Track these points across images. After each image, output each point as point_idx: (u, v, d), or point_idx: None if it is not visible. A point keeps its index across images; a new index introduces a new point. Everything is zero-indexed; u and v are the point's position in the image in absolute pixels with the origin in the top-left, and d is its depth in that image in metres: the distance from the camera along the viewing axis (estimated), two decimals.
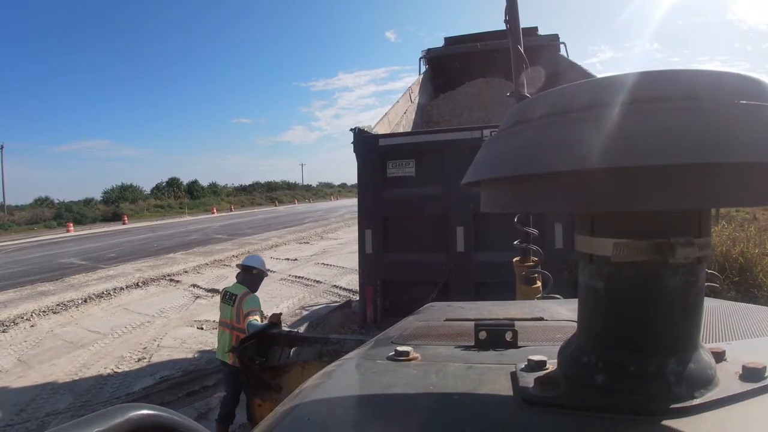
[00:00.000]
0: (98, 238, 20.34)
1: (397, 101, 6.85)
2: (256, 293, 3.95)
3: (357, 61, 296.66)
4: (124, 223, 32.38)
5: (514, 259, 2.35)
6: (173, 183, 52.86)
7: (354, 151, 4.72)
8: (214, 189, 56.10)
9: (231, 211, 40.72)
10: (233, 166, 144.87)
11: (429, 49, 8.74)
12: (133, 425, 0.39)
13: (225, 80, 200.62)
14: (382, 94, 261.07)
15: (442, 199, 4.42)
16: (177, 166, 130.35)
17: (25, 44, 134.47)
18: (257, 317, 3.68)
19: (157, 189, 52.08)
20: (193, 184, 54.01)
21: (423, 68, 8.63)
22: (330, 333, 4.23)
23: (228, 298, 3.89)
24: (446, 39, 9.12)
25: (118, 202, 48.02)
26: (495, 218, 4.06)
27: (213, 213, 36.22)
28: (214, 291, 9.26)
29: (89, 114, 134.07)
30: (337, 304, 7.25)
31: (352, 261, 11.24)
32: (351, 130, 4.72)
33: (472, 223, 4.33)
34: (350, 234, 16.88)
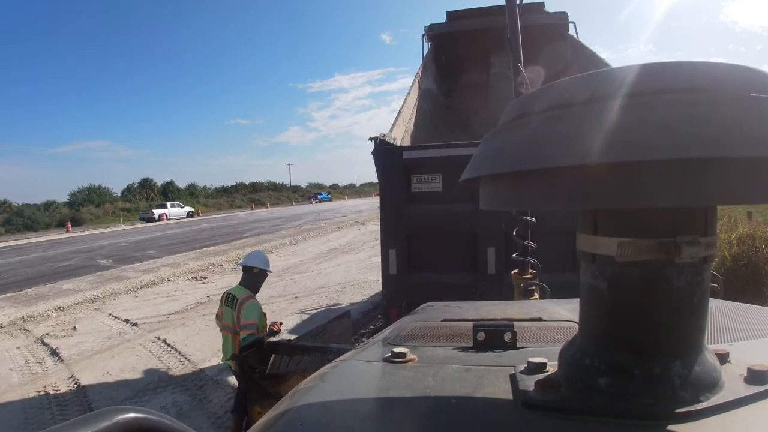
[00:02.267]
0: None
1: (408, 93, 6.48)
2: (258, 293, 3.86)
3: (353, 63, 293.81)
4: (67, 231, 30.16)
5: (513, 272, 2.33)
6: (146, 184, 49.59)
7: (375, 164, 4.30)
8: (191, 190, 52.61)
9: (198, 215, 37.16)
10: (232, 166, 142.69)
11: (431, 25, 8.15)
12: (121, 428, 0.38)
13: (222, 81, 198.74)
14: (378, 96, 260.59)
15: (471, 217, 4.04)
16: (174, 167, 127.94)
17: (19, 45, 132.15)
18: (254, 331, 3.51)
19: (129, 191, 48.70)
20: (169, 185, 50.64)
21: (425, 46, 8.05)
22: (329, 342, 3.88)
23: (230, 300, 3.73)
24: (448, 13, 8.39)
25: (83, 205, 44.82)
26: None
27: (163, 219, 32.50)
28: None
29: (85, 115, 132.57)
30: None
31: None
32: (370, 139, 4.26)
33: (504, 243, 3.96)
34: (285, 259, 13.04)
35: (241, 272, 3.97)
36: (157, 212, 34.87)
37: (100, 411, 0.39)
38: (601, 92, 0.39)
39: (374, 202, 48.03)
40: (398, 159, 4.24)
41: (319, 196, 58.62)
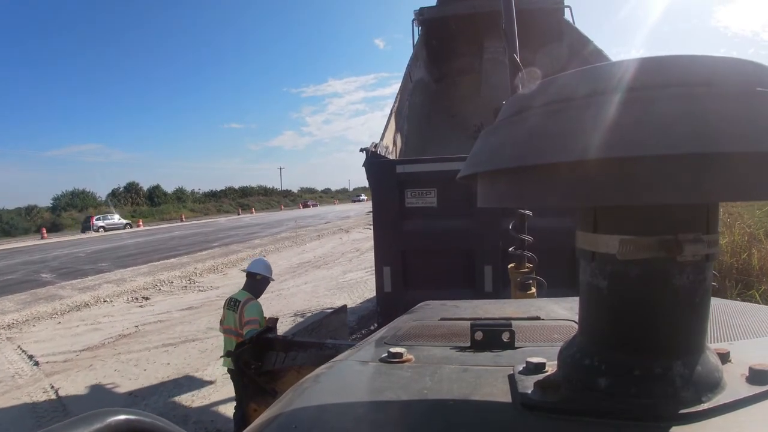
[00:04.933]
0: None
1: (399, 89, 6.31)
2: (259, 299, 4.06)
3: (347, 68, 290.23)
4: (42, 237, 29.49)
5: (509, 266, 2.33)
6: (131, 188, 48.27)
7: (367, 178, 4.22)
8: (179, 195, 51.33)
9: (182, 221, 36.03)
10: (225, 170, 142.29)
11: (422, 9, 7.71)
12: (113, 430, 0.38)
13: (216, 85, 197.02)
14: (372, 100, 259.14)
15: (467, 234, 4.00)
16: (169, 170, 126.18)
17: (12, 48, 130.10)
18: (256, 326, 3.64)
19: (113, 195, 47.43)
20: (155, 189, 49.38)
21: (416, 32, 7.70)
22: (325, 338, 3.81)
23: (232, 304, 3.91)
24: None
25: (65, 210, 43.72)
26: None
27: (139, 226, 31.15)
28: None
29: (79, 118, 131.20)
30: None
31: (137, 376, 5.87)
32: (362, 150, 4.18)
33: (501, 260, 3.71)
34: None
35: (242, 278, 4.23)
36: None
37: (92, 413, 0.38)
38: (602, 87, 0.38)
39: (363, 207, 46.42)
40: (392, 173, 4.09)
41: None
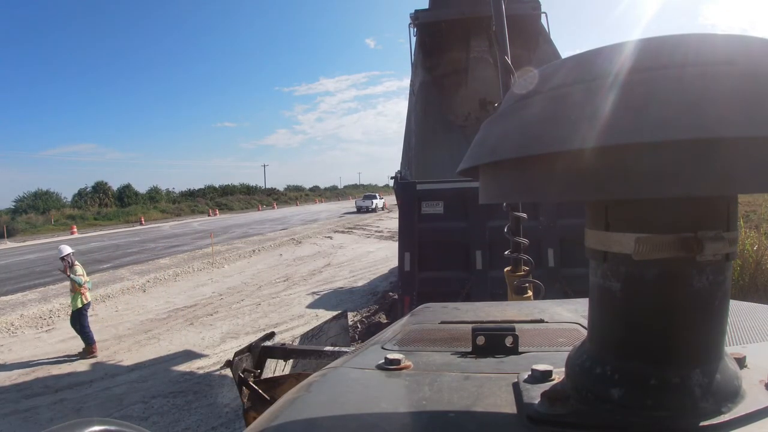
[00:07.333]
0: None
1: (407, 114, 7.11)
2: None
3: (338, 67, 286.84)
4: None
5: (506, 269, 2.32)
6: (100, 188, 45.30)
7: (396, 197, 6.03)
8: (152, 195, 48.31)
9: (142, 224, 33.14)
10: (219, 169, 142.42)
11: (417, 12, 7.92)
12: None
13: (209, 85, 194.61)
14: (363, 98, 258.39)
15: (463, 231, 5.49)
16: (163, 170, 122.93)
17: (2, 49, 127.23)
18: (81, 277, 6.92)
19: (80, 196, 44.56)
20: (125, 188, 46.43)
21: (413, 33, 7.98)
22: (325, 344, 4.00)
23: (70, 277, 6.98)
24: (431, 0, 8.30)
25: (26, 212, 40.71)
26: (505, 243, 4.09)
27: (73, 232, 28.10)
28: None
29: (72, 118, 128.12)
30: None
31: None
32: (391, 178, 6.01)
33: (488, 247, 5.34)
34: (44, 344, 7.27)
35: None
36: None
37: (68, 424, 0.39)
38: (620, 66, 0.35)
39: (342, 206, 42.13)
40: (413, 190, 5.64)
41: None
